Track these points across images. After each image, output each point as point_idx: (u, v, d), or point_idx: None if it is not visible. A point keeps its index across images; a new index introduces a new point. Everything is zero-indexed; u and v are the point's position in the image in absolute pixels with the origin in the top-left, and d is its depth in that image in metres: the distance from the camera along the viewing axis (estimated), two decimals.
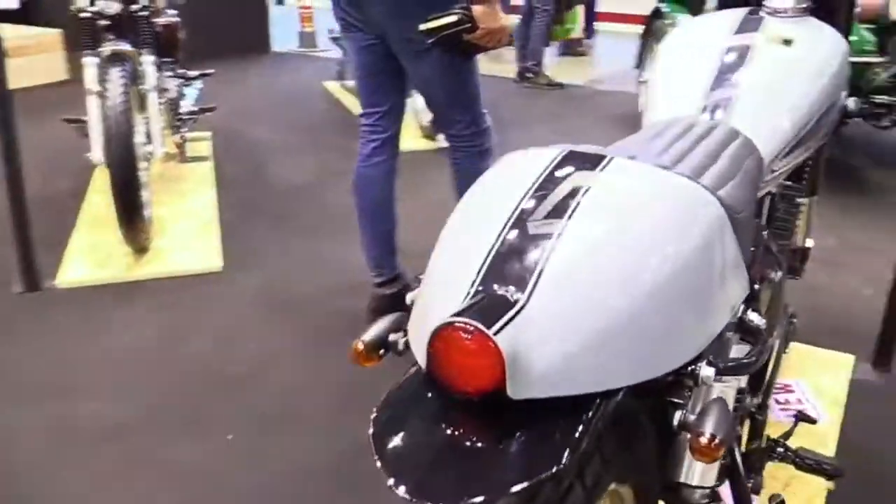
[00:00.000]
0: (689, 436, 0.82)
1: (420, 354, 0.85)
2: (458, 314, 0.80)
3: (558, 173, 0.94)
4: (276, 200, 3.99)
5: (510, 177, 0.99)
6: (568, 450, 0.78)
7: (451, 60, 2.42)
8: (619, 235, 0.87)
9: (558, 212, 0.88)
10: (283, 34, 7.96)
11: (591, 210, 0.89)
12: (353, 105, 5.64)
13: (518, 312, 0.80)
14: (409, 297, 1.01)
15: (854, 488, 1.89)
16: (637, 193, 0.93)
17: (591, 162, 0.96)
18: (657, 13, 4.96)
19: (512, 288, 0.83)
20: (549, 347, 0.80)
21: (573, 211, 0.88)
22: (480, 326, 0.78)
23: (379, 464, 0.80)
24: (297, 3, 8.00)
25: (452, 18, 2.29)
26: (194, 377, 2.48)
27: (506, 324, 0.79)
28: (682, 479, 1.11)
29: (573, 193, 0.90)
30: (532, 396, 0.80)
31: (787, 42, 1.51)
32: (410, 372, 0.90)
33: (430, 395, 0.86)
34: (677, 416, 0.86)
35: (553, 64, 6.88)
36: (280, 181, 4.26)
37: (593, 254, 0.85)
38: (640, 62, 5.20)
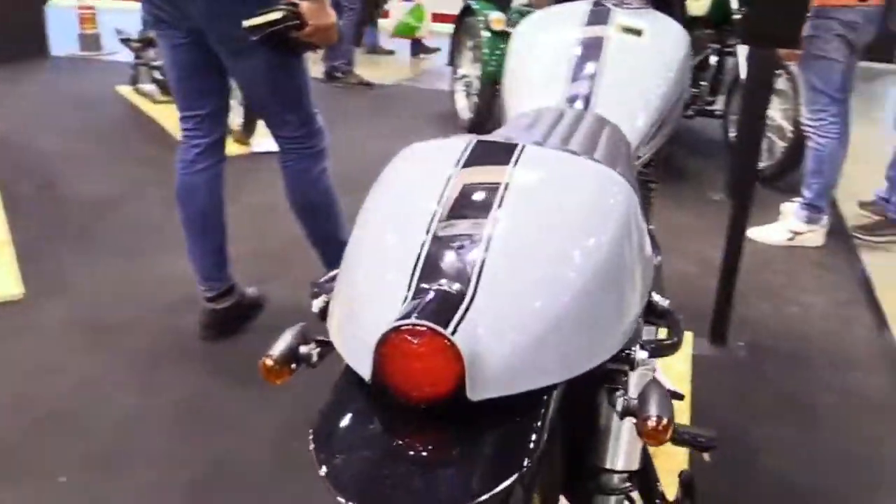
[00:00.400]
0: (634, 420, 0.79)
1: (361, 363, 0.76)
2: (404, 316, 0.72)
3: (474, 164, 0.89)
4: (77, 217, 3.64)
5: (423, 170, 0.92)
6: (529, 449, 0.73)
7: (278, 59, 2.29)
8: (552, 222, 0.84)
9: (486, 204, 0.83)
10: (60, 37, 7.36)
11: (519, 202, 0.84)
12: (152, 110, 5.31)
13: (467, 309, 0.74)
14: (316, 305, 0.93)
15: (712, 457, 1.99)
16: (558, 181, 0.90)
17: (503, 151, 0.92)
18: (467, 10, 5.02)
19: (455, 285, 0.76)
20: (503, 343, 0.75)
21: (501, 202, 0.83)
22: (435, 327, 0.71)
23: (329, 484, 0.71)
24: (76, 4, 7.42)
25: (278, 15, 2.16)
26: (9, 418, 2.19)
27: (458, 322, 0.73)
28: (607, 465, 1.12)
29: (495, 185, 0.86)
30: (490, 396, 0.74)
31: (637, 33, 1.54)
32: (341, 382, 0.81)
33: (374, 405, 0.78)
34: (620, 402, 0.82)
35: (361, 63, 6.81)
36: (79, 195, 3.90)
37: (531, 245, 0.81)
38: (452, 60, 5.24)
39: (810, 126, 3.36)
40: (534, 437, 0.75)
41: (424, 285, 0.77)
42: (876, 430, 2.27)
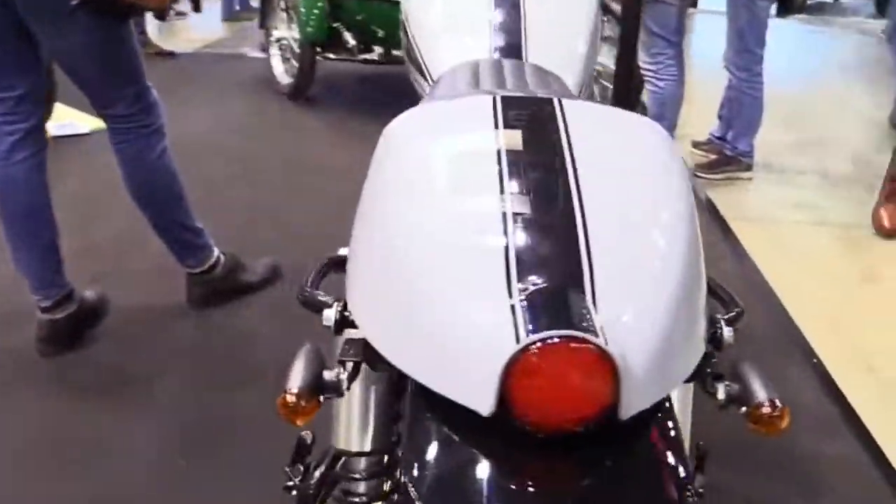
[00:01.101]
0: (743, 409, 0.67)
1: (474, 396, 0.58)
2: (534, 328, 0.56)
3: (516, 127, 0.73)
4: None
5: (460, 143, 0.75)
6: (682, 478, 0.60)
7: (101, 25, 1.99)
8: (637, 191, 0.70)
9: (558, 175, 0.68)
10: None
11: (593, 170, 0.69)
12: None
13: (595, 313, 0.58)
14: (330, 316, 0.75)
15: None
16: (620, 140, 0.76)
17: (538, 107, 0.77)
18: None
19: (566, 282, 0.60)
20: (644, 344, 0.60)
21: (575, 173, 0.68)
22: (592, 339, 0.56)
23: None
24: None
25: None
26: None
27: (601, 330, 0.57)
28: None
29: (554, 150, 0.70)
30: (638, 410, 0.60)
31: None
32: (430, 425, 0.63)
33: (499, 443, 0.61)
34: (721, 389, 0.69)
35: (154, 32, 6.29)
36: None
37: (628, 223, 0.66)
38: (264, 21, 4.93)
39: (649, 70, 3.42)
40: (680, 461, 0.61)
41: (527, 286, 0.60)
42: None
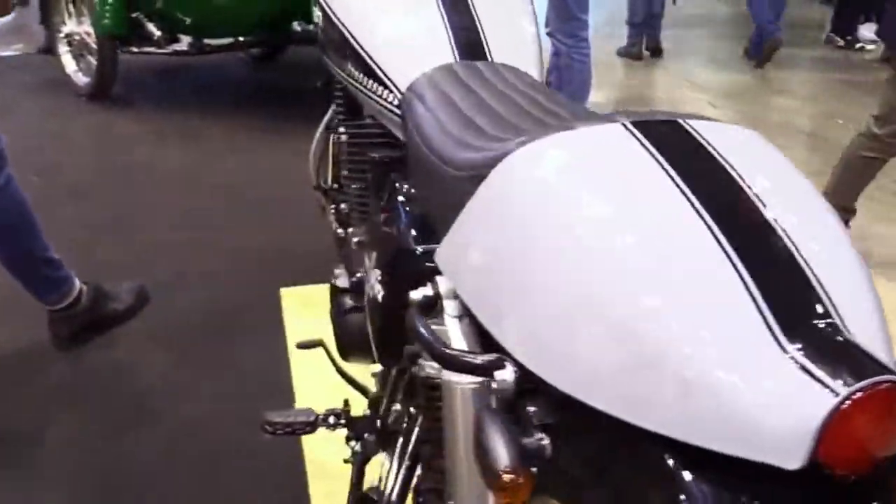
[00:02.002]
0: None
1: (782, 450, 0.53)
2: (852, 376, 0.52)
3: (674, 154, 0.68)
4: None
5: (624, 177, 0.68)
6: None
7: None
8: (809, 212, 0.67)
9: (749, 204, 0.63)
10: None
11: (763, 190, 0.65)
12: None
13: (880, 352, 0.56)
14: (506, 377, 0.66)
15: None
16: (770, 161, 0.72)
17: (674, 131, 0.72)
18: None
19: (829, 322, 0.57)
20: None
21: (760, 200, 0.64)
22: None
23: None
24: None
25: None
26: None
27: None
28: None
29: (729, 178, 0.66)
30: None
31: None
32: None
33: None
34: None
35: None
36: None
37: (822, 243, 0.63)
38: (45, 17, 4.45)
39: (563, 45, 3.48)
40: None
41: (795, 332, 0.56)
42: None
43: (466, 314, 0.85)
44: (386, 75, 1.24)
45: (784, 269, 0.59)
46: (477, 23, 1.27)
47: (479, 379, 0.77)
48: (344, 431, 1.48)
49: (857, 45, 6.48)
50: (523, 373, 0.66)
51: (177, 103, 4.41)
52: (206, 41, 4.18)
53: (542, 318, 0.64)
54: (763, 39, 5.70)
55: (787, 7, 6.09)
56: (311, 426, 1.43)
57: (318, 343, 1.55)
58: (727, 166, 0.67)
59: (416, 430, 1.03)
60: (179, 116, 4.20)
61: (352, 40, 1.32)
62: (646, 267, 0.61)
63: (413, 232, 1.03)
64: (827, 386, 0.52)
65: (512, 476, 0.61)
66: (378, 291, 1.07)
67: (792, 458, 0.53)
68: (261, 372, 2.22)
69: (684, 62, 5.91)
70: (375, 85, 1.26)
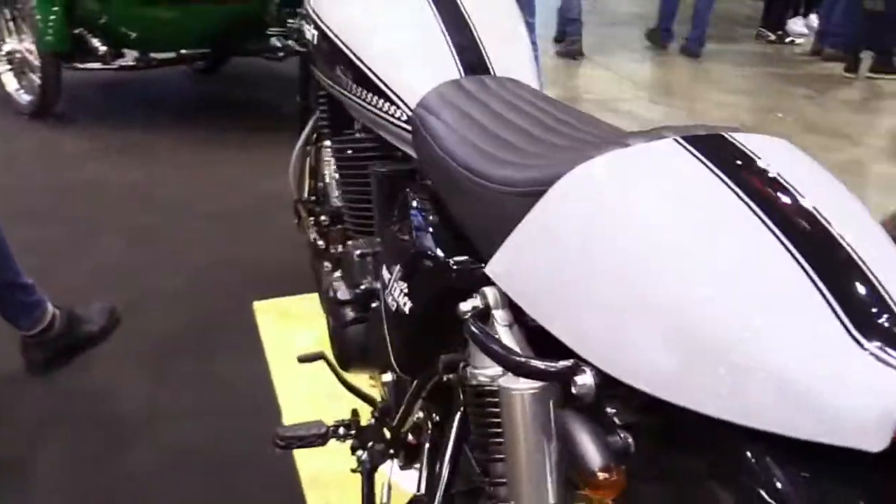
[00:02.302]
0: None
1: (868, 435, 0.58)
2: None
3: (729, 169, 0.71)
4: None
5: (690, 195, 0.71)
6: None
7: None
8: (851, 212, 0.71)
9: (808, 216, 0.67)
10: None
11: (824, 205, 0.69)
12: None
13: None
14: (587, 382, 0.69)
15: None
16: (812, 171, 0.76)
17: (722, 143, 0.75)
18: None
19: (893, 309, 0.62)
20: None
21: (819, 212, 0.68)
22: None
23: None
24: None
25: None
26: None
27: None
28: None
29: (786, 192, 0.70)
30: None
31: None
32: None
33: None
34: None
35: None
36: None
37: (875, 244, 0.68)
38: None
39: None
40: None
41: (864, 324, 0.60)
42: None
43: (515, 322, 0.88)
44: (393, 92, 1.26)
45: (847, 271, 0.64)
46: (476, 37, 1.31)
47: (539, 384, 0.80)
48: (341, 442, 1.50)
49: (788, 39, 6.72)
50: (601, 376, 0.69)
51: (121, 118, 4.33)
52: (153, 55, 4.11)
53: (620, 326, 0.67)
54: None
55: (718, 3, 6.28)
56: (322, 438, 1.44)
57: (319, 356, 1.56)
58: (777, 176, 0.71)
59: (452, 435, 1.05)
60: (125, 132, 4.13)
61: (353, 57, 1.34)
62: (721, 271, 0.64)
63: (446, 245, 1.05)
64: None
65: (606, 474, 0.64)
66: (405, 303, 1.09)
67: (877, 441, 0.57)
68: (243, 387, 2.21)
69: (620, 59, 6.03)
70: (380, 101, 1.28)
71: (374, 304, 1.42)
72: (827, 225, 0.67)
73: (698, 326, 0.63)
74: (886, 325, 0.61)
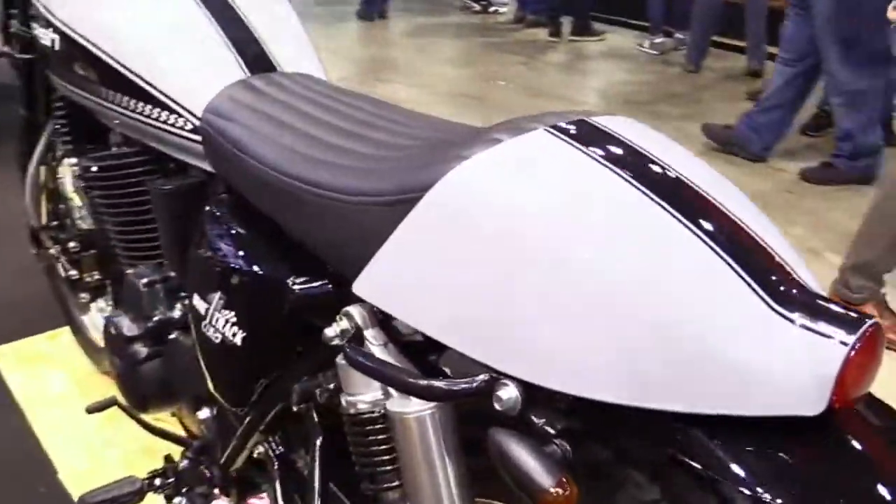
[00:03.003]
0: None
1: (805, 399, 0.58)
2: (850, 325, 0.59)
3: (608, 155, 0.68)
4: None
5: (571, 172, 0.67)
6: None
7: None
8: (723, 186, 0.72)
9: (684, 187, 0.68)
10: None
11: (693, 173, 0.69)
12: None
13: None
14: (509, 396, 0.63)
15: None
16: (657, 140, 0.75)
17: (589, 127, 0.72)
18: None
19: (804, 283, 0.64)
20: None
21: (689, 181, 0.68)
22: (873, 320, 0.59)
23: None
24: None
25: None
26: None
27: None
28: None
29: (657, 163, 0.69)
30: None
31: None
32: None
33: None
34: None
35: None
36: None
37: (751, 215, 0.69)
38: None
39: None
40: None
41: (783, 296, 0.61)
42: None
43: (389, 340, 0.81)
44: (172, 99, 1.12)
45: (747, 244, 0.64)
46: (256, 35, 1.20)
47: (431, 405, 0.74)
48: None
49: (492, 9, 7.04)
50: (523, 386, 0.65)
51: None
52: None
53: (539, 333, 0.63)
54: None
55: None
56: (138, 495, 1.27)
57: (111, 402, 1.38)
58: (649, 154, 0.70)
59: (315, 466, 0.96)
60: None
61: (116, 64, 1.17)
62: (635, 257, 0.62)
63: (276, 266, 0.95)
64: (833, 339, 0.58)
65: (560, 489, 0.60)
66: (234, 333, 0.97)
67: (814, 405, 0.58)
68: (2, 446, 1.92)
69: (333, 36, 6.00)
70: (156, 111, 1.14)
71: (172, 336, 1.28)
72: (707, 197, 0.67)
73: (625, 319, 0.61)
74: (799, 296, 0.62)
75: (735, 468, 0.60)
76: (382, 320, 0.81)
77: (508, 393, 0.65)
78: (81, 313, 2.01)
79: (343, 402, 0.82)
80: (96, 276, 1.82)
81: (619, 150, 0.70)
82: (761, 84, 4.71)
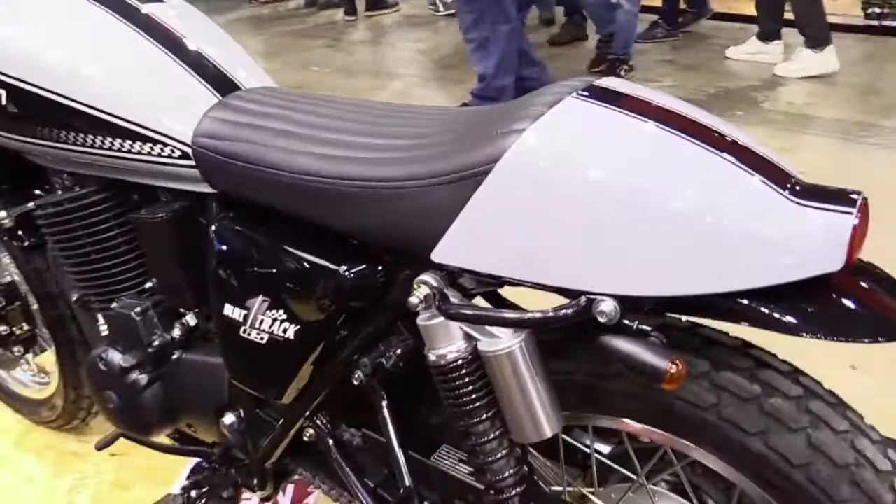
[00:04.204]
0: None
1: (832, 257, 0.79)
2: (844, 202, 0.79)
3: (622, 104, 0.88)
4: None
5: (616, 129, 0.87)
6: None
7: None
8: None
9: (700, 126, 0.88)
10: None
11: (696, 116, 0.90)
12: None
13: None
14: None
15: None
16: (656, 96, 0.95)
17: (603, 91, 0.91)
18: None
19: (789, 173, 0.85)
20: None
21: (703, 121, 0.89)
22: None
23: None
24: None
25: None
26: None
27: None
28: None
29: (669, 111, 0.88)
30: None
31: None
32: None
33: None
34: None
35: None
36: None
37: None
38: None
39: None
40: None
41: (789, 189, 0.81)
42: None
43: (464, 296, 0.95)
44: (158, 132, 1.16)
45: (757, 158, 0.84)
46: (211, 61, 1.26)
47: (522, 335, 0.91)
48: None
49: None
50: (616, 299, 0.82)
51: None
52: None
53: (624, 254, 0.80)
54: None
55: None
56: None
57: (117, 436, 1.42)
58: (654, 102, 0.89)
59: (391, 431, 1.09)
60: None
61: (87, 109, 1.19)
62: (682, 181, 0.82)
63: (321, 257, 1.07)
64: (841, 211, 0.78)
65: (676, 367, 0.78)
66: (287, 328, 1.08)
67: (837, 262, 0.79)
68: None
69: None
70: (141, 145, 1.17)
71: (174, 356, 1.33)
72: (721, 131, 0.86)
73: (689, 229, 0.79)
74: (804, 188, 0.82)
75: (790, 320, 0.80)
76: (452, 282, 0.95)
77: (609, 306, 0.81)
78: (5, 368, 1.97)
79: (432, 357, 0.95)
80: (26, 328, 1.80)
81: (634, 103, 0.88)
82: (559, 29, 5.08)
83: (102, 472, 1.87)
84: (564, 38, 5.02)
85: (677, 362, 0.79)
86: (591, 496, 1.12)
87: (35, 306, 1.75)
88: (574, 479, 1.14)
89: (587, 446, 1.08)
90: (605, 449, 1.11)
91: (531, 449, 1.10)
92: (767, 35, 4.36)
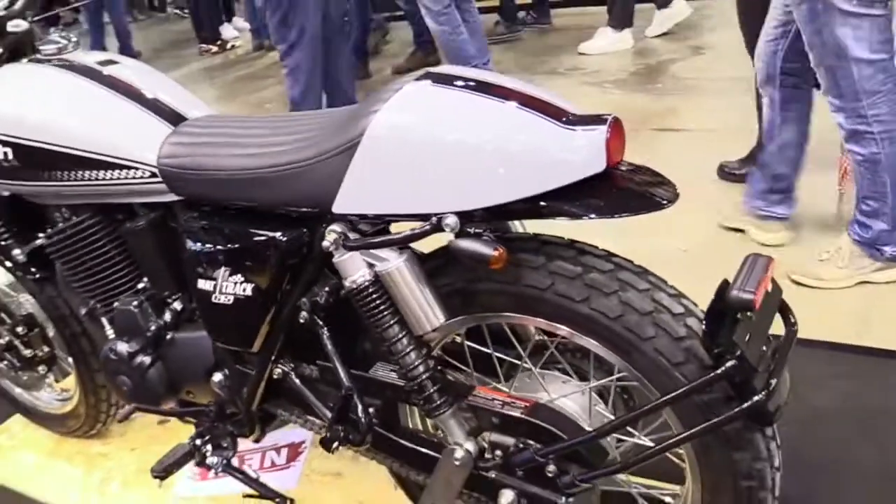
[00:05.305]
0: None
1: (593, 161, 1.15)
2: (603, 117, 1.16)
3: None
4: None
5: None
6: None
7: None
8: None
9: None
10: None
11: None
12: None
13: None
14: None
15: None
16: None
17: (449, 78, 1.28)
18: None
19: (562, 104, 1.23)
20: None
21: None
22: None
23: None
24: None
25: None
26: None
27: None
28: None
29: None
30: None
31: (112, 62, 1.70)
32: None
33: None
34: None
35: None
36: None
37: None
38: None
39: None
40: None
41: (560, 116, 1.19)
42: None
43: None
44: (131, 160, 1.53)
45: (517, 98, 1.22)
46: (163, 101, 1.62)
47: (408, 253, 1.30)
48: None
49: (228, 46, 7.40)
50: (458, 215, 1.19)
51: None
52: None
53: (459, 181, 1.18)
54: None
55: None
56: (190, 455, 1.68)
57: (132, 410, 1.77)
58: (485, 80, 1.28)
59: (333, 353, 1.45)
60: None
61: (72, 151, 1.56)
62: (496, 130, 1.20)
63: (262, 230, 1.43)
64: (598, 127, 1.15)
65: (497, 251, 1.15)
66: (245, 287, 1.45)
67: (600, 164, 1.15)
68: None
69: None
70: (118, 173, 1.53)
71: (169, 337, 1.68)
72: (515, 87, 1.23)
73: (490, 155, 1.16)
74: (572, 117, 1.18)
75: (580, 210, 1.16)
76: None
77: (451, 219, 1.18)
78: (31, 391, 2.31)
79: (347, 285, 1.32)
80: (46, 350, 2.15)
81: (456, 80, 1.26)
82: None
83: (126, 465, 2.21)
84: (412, 66, 5.02)
85: (499, 249, 1.15)
86: (498, 386, 1.47)
87: (52, 331, 2.11)
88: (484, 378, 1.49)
89: (486, 347, 1.43)
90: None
91: (445, 356, 1.46)
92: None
